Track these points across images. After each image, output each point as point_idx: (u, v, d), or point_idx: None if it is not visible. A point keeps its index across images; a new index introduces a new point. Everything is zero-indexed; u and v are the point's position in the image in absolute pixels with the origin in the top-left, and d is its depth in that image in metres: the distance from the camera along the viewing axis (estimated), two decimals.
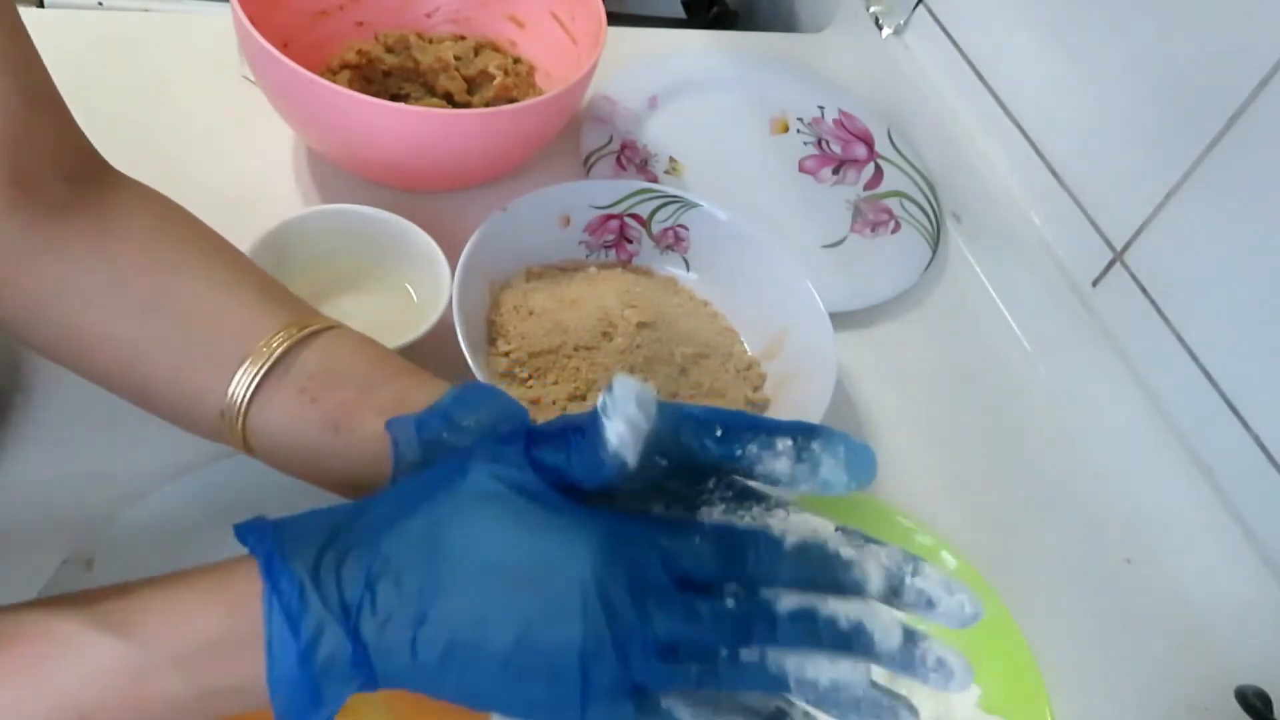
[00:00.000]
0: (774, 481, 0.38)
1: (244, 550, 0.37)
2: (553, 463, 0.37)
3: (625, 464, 0.35)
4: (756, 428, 0.38)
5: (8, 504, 0.51)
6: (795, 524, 0.38)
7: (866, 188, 0.83)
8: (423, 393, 0.44)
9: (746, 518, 0.38)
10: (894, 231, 0.79)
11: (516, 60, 0.76)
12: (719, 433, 0.38)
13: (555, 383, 0.59)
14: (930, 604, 0.37)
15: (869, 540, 0.38)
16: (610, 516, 0.37)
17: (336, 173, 0.71)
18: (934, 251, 0.78)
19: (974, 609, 0.37)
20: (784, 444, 0.38)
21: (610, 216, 0.68)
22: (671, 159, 0.79)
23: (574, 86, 0.66)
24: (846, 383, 0.69)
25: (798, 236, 0.76)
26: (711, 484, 0.39)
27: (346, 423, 0.43)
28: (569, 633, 0.34)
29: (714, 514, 0.39)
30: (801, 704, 0.38)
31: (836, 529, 0.38)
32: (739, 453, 0.38)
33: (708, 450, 0.38)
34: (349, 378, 0.44)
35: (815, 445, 0.38)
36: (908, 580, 0.37)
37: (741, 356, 0.66)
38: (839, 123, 0.87)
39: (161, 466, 0.53)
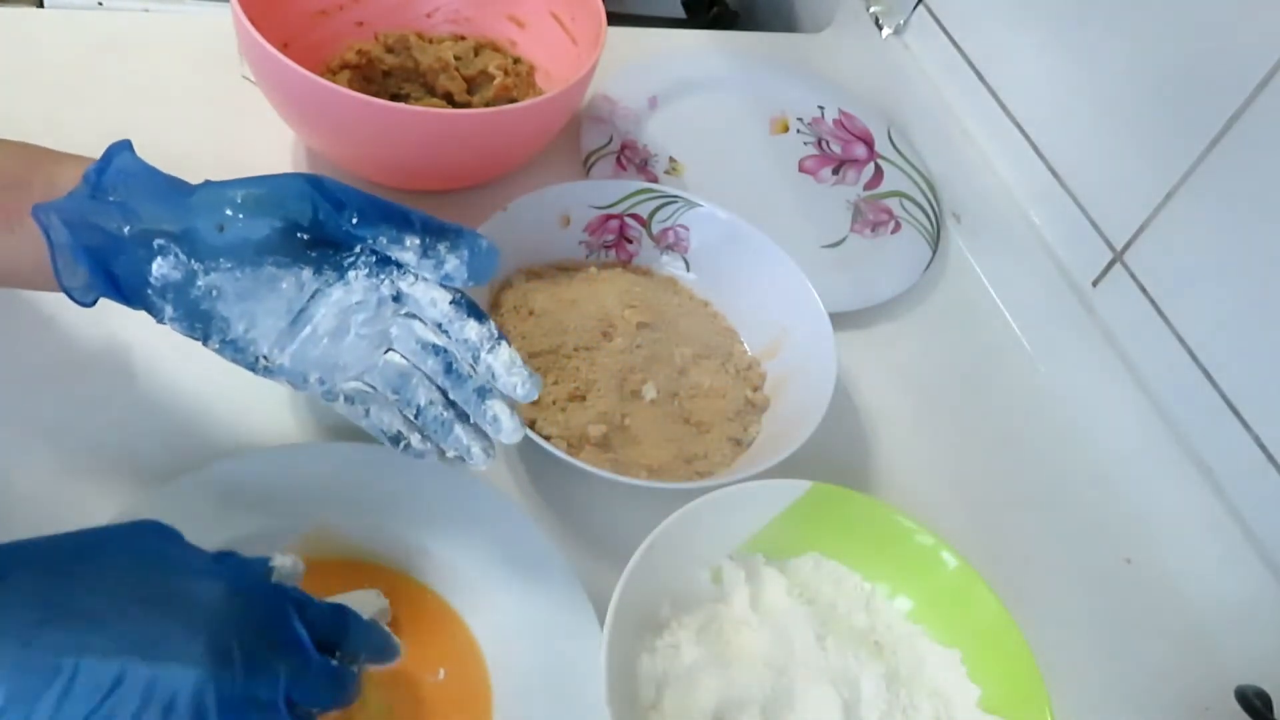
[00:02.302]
0: (405, 265, 0.47)
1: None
2: None
3: None
4: (390, 219, 0.46)
5: (10, 504, 0.51)
6: (419, 291, 0.47)
7: (866, 188, 0.83)
8: (70, 174, 0.45)
9: (386, 282, 0.47)
10: (894, 231, 0.79)
11: (516, 60, 0.76)
12: (354, 220, 0.45)
13: (555, 383, 0.59)
14: (494, 376, 0.47)
15: (471, 315, 0.47)
16: None
17: (336, 173, 0.70)
18: (934, 251, 0.78)
19: (525, 391, 0.47)
20: (412, 241, 0.46)
21: (610, 216, 0.68)
22: (671, 159, 0.79)
23: (574, 86, 0.66)
24: (846, 383, 0.69)
25: (798, 236, 0.76)
26: (358, 249, 0.46)
27: (17, 220, 0.45)
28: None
29: (359, 277, 0.46)
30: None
31: (451, 302, 0.47)
32: (370, 240, 0.46)
33: (343, 232, 0.46)
34: (4, 178, 0.46)
35: (442, 246, 0.46)
36: (483, 355, 0.47)
37: (741, 356, 0.66)
38: (839, 123, 0.87)
39: (164, 465, 0.53)
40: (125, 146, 0.46)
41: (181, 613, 0.38)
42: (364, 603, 0.49)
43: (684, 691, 0.49)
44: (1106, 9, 0.70)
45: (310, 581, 0.50)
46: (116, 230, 0.44)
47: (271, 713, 0.38)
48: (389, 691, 0.48)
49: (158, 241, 0.44)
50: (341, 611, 0.43)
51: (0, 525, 0.50)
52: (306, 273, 0.46)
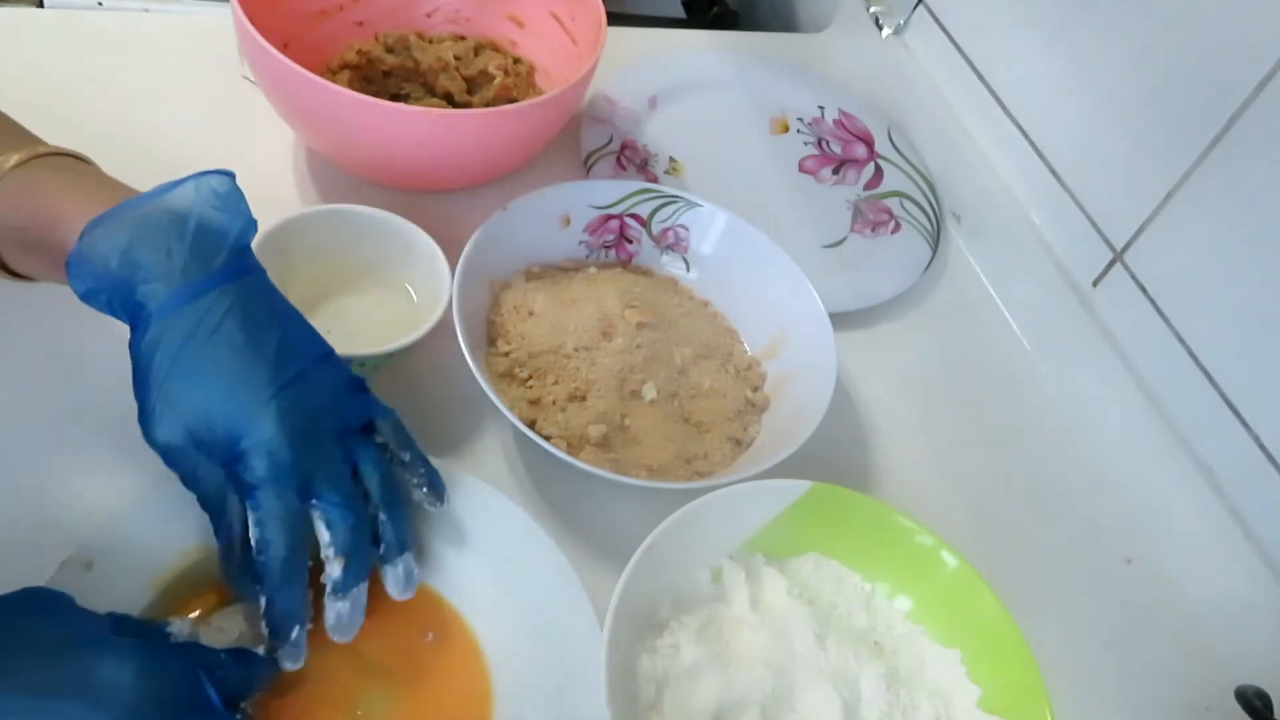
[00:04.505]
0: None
1: None
2: None
3: None
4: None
5: (8, 505, 0.51)
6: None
7: (866, 188, 0.83)
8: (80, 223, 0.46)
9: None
10: (894, 231, 0.79)
11: (516, 60, 0.77)
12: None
13: (555, 383, 0.59)
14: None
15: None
16: None
17: (336, 173, 0.71)
18: (934, 251, 0.78)
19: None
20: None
21: (610, 216, 0.68)
22: (671, 159, 0.79)
23: (574, 86, 0.66)
24: (846, 383, 0.69)
25: (798, 236, 0.76)
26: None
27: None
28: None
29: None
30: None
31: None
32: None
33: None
34: (34, 235, 0.47)
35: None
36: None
37: (741, 356, 0.66)
38: (839, 123, 0.87)
39: (161, 467, 0.53)
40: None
41: (92, 700, 0.37)
42: (233, 622, 0.49)
43: (684, 691, 0.49)
44: (1107, 9, 0.70)
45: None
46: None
47: None
48: (386, 685, 0.48)
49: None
50: (245, 658, 0.44)
51: (0, 524, 0.50)
52: None
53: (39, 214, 0.46)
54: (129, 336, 0.46)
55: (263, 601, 0.45)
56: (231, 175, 0.48)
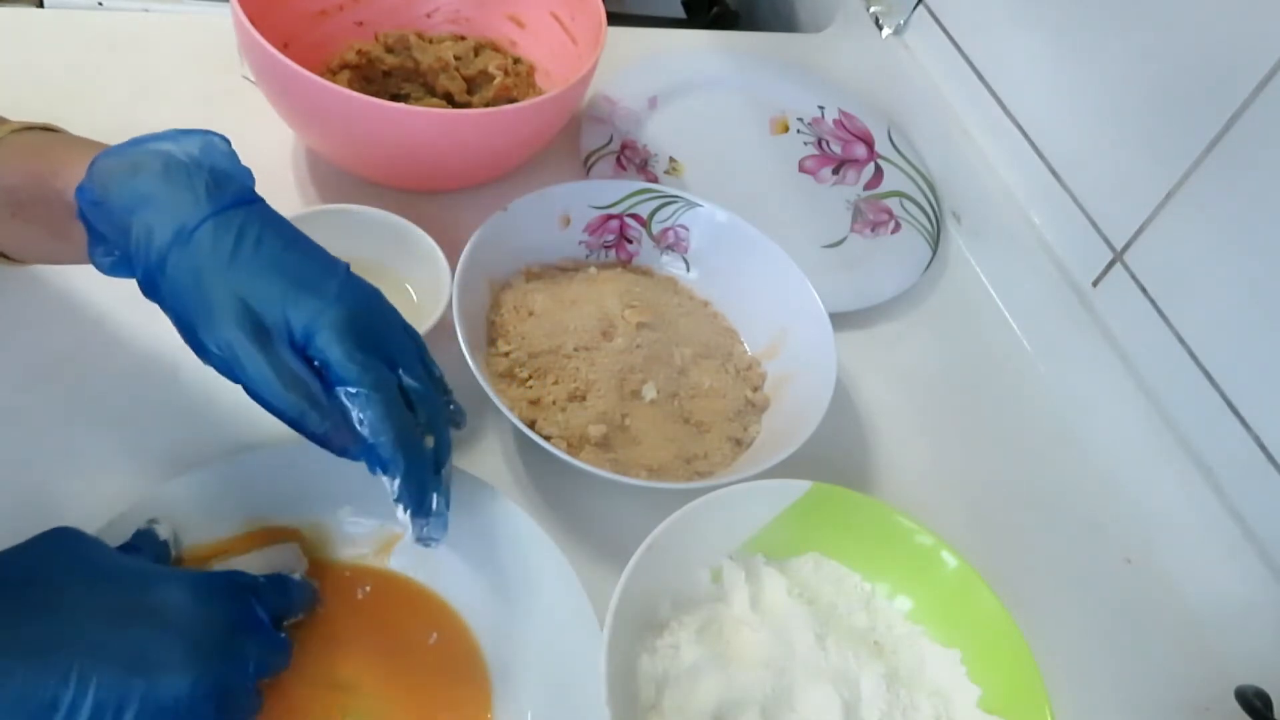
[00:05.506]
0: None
1: None
2: None
3: None
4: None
5: (8, 505, 0.51)
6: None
7: (866, 188, 0.83)
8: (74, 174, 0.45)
9: None
10: (894, 231, 0.79)
11: (516, 60, 0.77)
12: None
13: (555, 383, 0.59)
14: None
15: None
16: None
17: (336, 173, 0.71)
18: (934, 251, 0.78)
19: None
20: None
21: (610, 216, 0.68)
22: (671, 159, 0.79)
23: (574, 86, 0.66)
24: (846, 383, 0.69)
25: (798, 236, 0.76)
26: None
27: (65, 233, 0.46)
28: None
29: None
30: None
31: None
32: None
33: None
34: (29, 192, 0.47)
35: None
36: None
37: (741, 356, 0.66)
38: (839, 123, 0.87)
39: (161, 466, 0.53)
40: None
41: (156, 622, 0.40)
42: (286, 556, 0.51)
43: (684, 691, 0.49)
44: (1106, 9, 0.70)
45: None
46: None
47: (243, 694, 0.42)
48: (383, 690, 0.48)
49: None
50: (283, 582, 0.47)
51: (1, 522, 0.50)
52: None
53: (37, 168, 0.47)
54: (141, 275, 0.45)
55: (394, 486, 0.45)
56: (228, 140, 0.48)
